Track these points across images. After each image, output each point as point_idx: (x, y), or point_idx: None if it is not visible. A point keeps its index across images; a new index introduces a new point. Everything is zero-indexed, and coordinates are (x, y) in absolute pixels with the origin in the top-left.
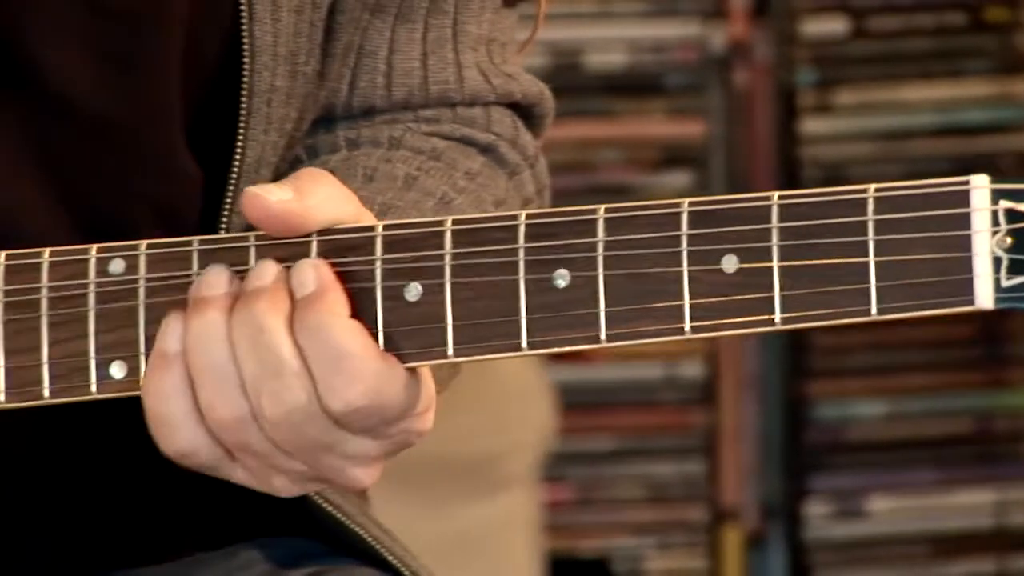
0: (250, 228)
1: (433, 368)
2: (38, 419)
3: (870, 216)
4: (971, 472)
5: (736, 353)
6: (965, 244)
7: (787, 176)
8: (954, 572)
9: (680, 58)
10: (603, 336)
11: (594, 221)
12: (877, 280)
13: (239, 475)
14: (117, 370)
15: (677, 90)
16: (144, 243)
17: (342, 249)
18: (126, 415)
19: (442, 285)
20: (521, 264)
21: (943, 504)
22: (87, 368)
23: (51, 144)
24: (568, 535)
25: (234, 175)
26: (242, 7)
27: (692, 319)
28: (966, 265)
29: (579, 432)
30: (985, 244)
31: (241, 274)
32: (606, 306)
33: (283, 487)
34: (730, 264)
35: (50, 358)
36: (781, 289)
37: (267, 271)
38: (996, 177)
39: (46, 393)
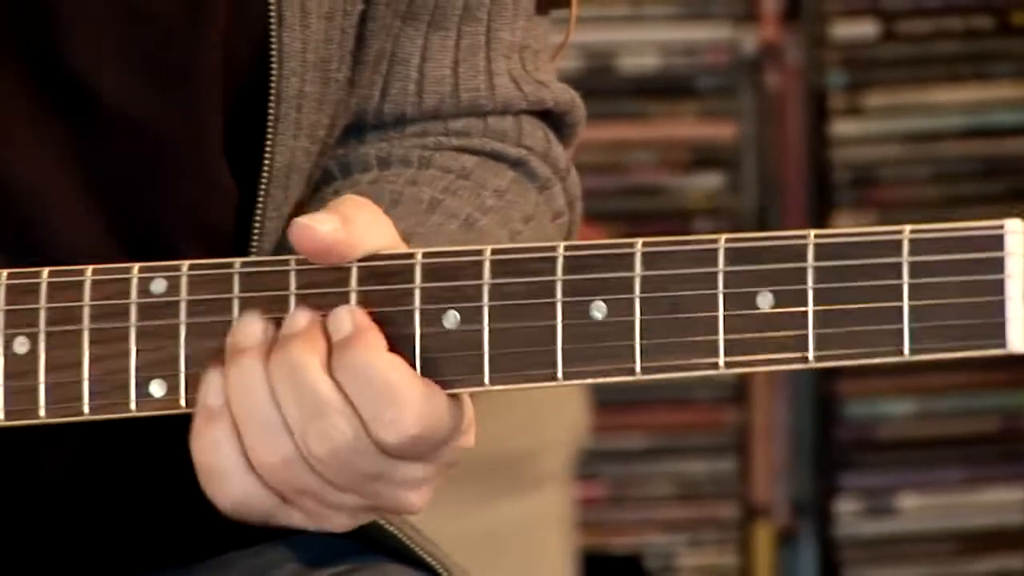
0: (284, 244)
1: None
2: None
3: (905, 258)
4: (999, 470)
5: None
6: (998, 288)
7: (817, 178)
8: (982, 569)
9: (712, 61)
10: (638, 369)
11: (632, 255)
12: (911, 322)
13: (296, 519)
14: (157, 388)
15: (709, 92)
16: (186, 264)
17: (381, 275)
18: (155, 419)
19: (480, 313)
20: (559, 295)
21: (971, 502)
22: (127, 386)
23: (92, 152)
24: (601, 532)
25: (264, 181)
26: (271, 14)
27: (726, 354)
28: (999, 309)
29: (612, 430)
30: (1018, 289)
31: (278, 313)
32: (641, 339)
33: (341, 523)
34: (765, 302)
35: (90, 375)
36: (815, 328)
37: (302, 316)
38: None
39: (86, 409)
